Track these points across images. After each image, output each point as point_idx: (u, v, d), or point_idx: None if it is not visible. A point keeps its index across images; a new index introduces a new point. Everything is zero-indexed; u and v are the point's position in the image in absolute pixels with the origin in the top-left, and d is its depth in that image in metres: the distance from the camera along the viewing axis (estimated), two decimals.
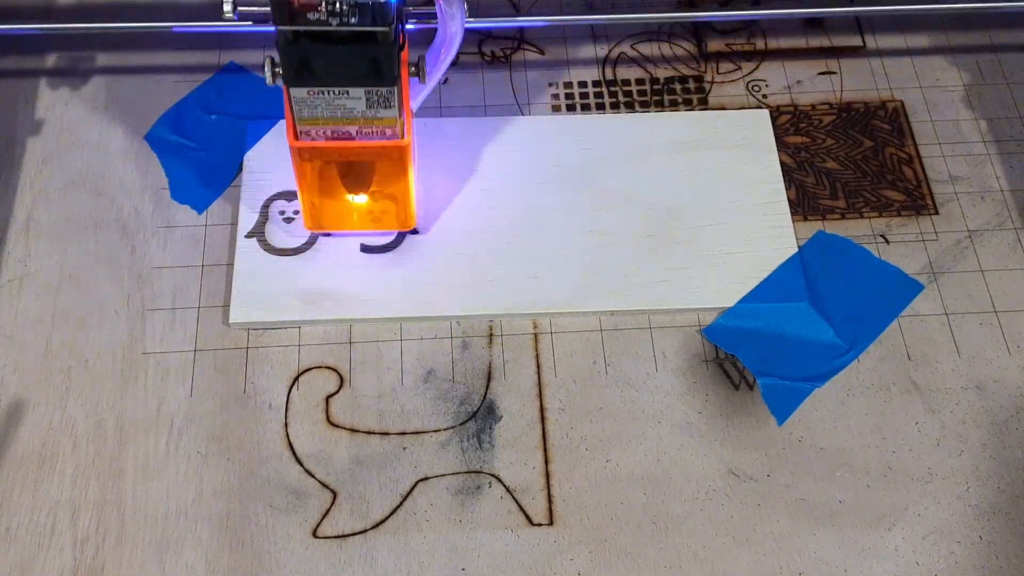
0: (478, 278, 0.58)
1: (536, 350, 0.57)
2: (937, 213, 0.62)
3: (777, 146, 0.63)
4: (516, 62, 0.68)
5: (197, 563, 0.50)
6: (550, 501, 0.52)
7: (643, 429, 0.54)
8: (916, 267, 0.60)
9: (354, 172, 0.54)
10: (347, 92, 0.48)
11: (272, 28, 0.46)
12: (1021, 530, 0.52)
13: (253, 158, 0.62)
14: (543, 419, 0.54)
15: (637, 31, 0.69)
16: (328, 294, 0.57)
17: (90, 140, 0.63)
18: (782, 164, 0.63)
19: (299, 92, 0.48)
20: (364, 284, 0.57)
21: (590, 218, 0.60)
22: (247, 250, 0.58)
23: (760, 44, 0.69)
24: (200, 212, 0.61)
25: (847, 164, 0.64)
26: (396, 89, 0.48)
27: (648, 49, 0.69)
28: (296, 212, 0.60)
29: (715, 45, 0.69)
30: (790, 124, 0.65)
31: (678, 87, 0.67)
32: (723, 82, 0.67)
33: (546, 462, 0.53)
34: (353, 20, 0.45)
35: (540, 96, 0.66)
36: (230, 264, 0.58)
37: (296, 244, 0.59)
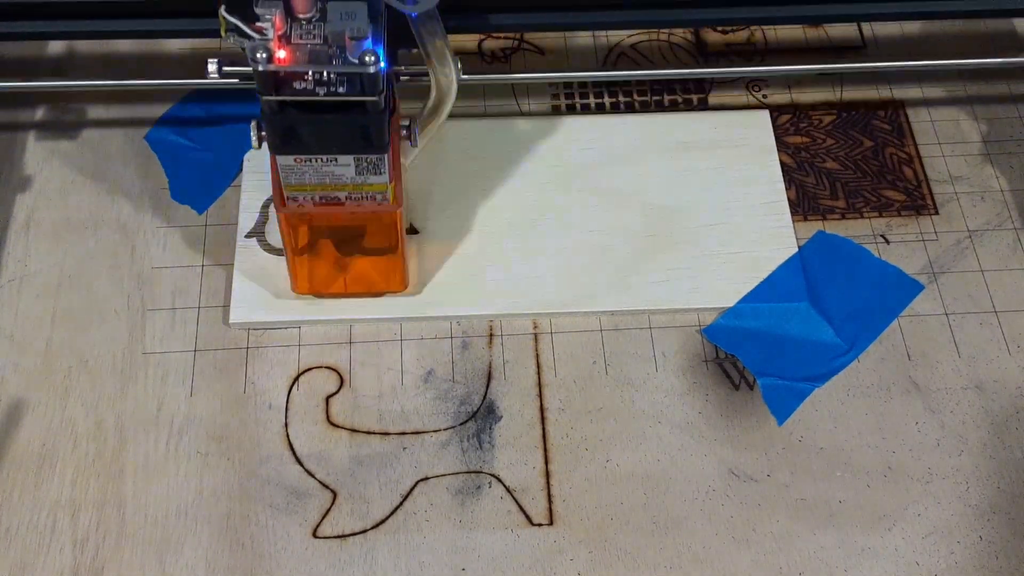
0: (478, 278, 0.58)
1: (536, 350, 0.57)
2: (937, 213, 0.62)
3: (777, 146, 0.63)
4: (516, 62, 0.68)
5: (197, 563, 0.50)
6: (550, 501, 0.52)
7: (643, 429, 0.54)
8: (916, 267, 0.60)
9: (344, 234, 0.53)
10: (336, 159, 0.47)
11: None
12: (1021, 530, 0.52)
13: (253, 158, 0.62)
14: (543, 419, 0.54)
15: (637, 31, 0.69)
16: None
17: (90, 140, 0.63)
18: (782, 164, 0.63)
19: (286, 160, 0.47)
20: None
21: (590, 218, 0.60)
22: (247, 250, 0.58)
23: (760, 44, 0.69)
24: (200, 212, 0.61)
25: (847, 164, 0.64)
26: (386, 156, 0.47)
27: (648, 49, 0.69)
28: None
29: (715, 45, 0.69)
30: (790, 124, 0.65)
31: (678, 87, 0.67)
32: (723, 82, 0.67)
33: (546, 462, 0.53)
34: (341, 89, 0.43)
35: (540, 96, 0.66)
36: (230, 264, 0.58)
37: None
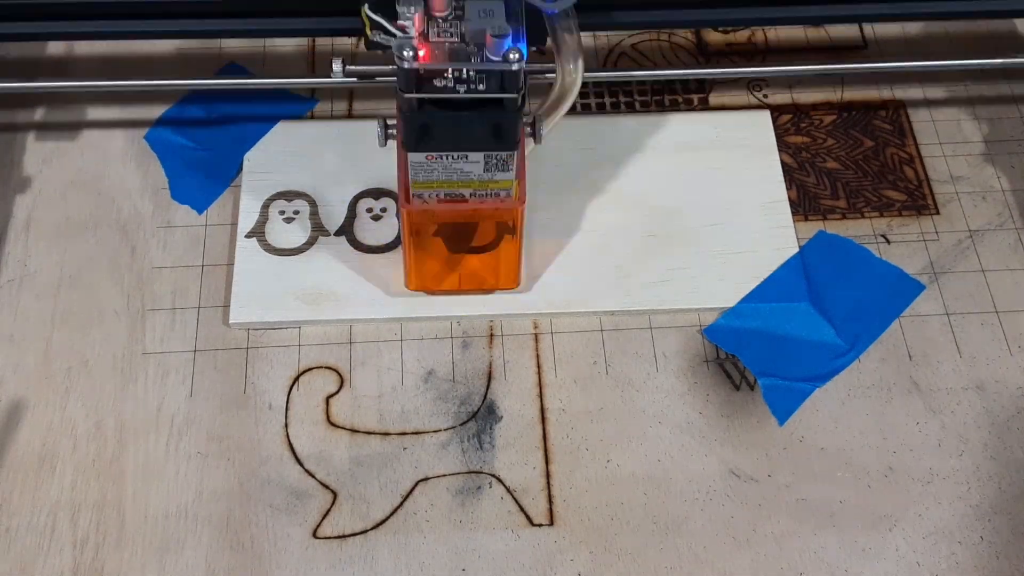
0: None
1: (536, 350, 0.57)
2: (938, 213, 0.62)
3: (778, 146, 0.63)
4: None
5: (197, 564, 0.50)
6: (550, 501, 0.52)
7: (643, 429, 0.54)
8: (917, 267, 0.60)
9: (455, 231, 0.54)
10: (466, 156, 0.47)
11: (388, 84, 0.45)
12: (1022, 530, 0.52)
13: (253, 158, 0.62)
14: (543, 419, 0.54)
15: (638, 31, 0.69)
16: (328, 294, 0.57)
17: (90, 140, 0.63)
18: (783, 164, 0.63)
19: (417, 157, 0.47)
20: (364, 284, 0.57)
21: (590, 218, 0.60)
22: (247, 250, 0.58)
23: (761, 44, 0.69)
24: (200, 212, 0.61)
25: (848, 164, 0.64)
26: (516, 153, 0.47)
27: (649, 49, 0.69)
28: (296, 212, 0.60)
29: (716, 45, 0.69)
30: (791, 124, 0.65)
31: (678, 87, 0.67)
32: (724, 82, 0.67)
33: (546, 462, 0.53)
34: (481, 87, 0.44)
35: (540, 96, 0.66)
36: (230, 264, 0.58)
37: (296, 244, 0.59)
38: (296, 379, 0.55)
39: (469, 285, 0.57)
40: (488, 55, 0.43)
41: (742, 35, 0.69)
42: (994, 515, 0.52)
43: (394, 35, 0.43)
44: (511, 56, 0.43)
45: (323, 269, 0.58)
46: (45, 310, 0.57)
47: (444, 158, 0.47)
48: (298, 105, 0.65)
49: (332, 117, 0.65)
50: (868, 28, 0.70)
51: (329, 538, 0.51)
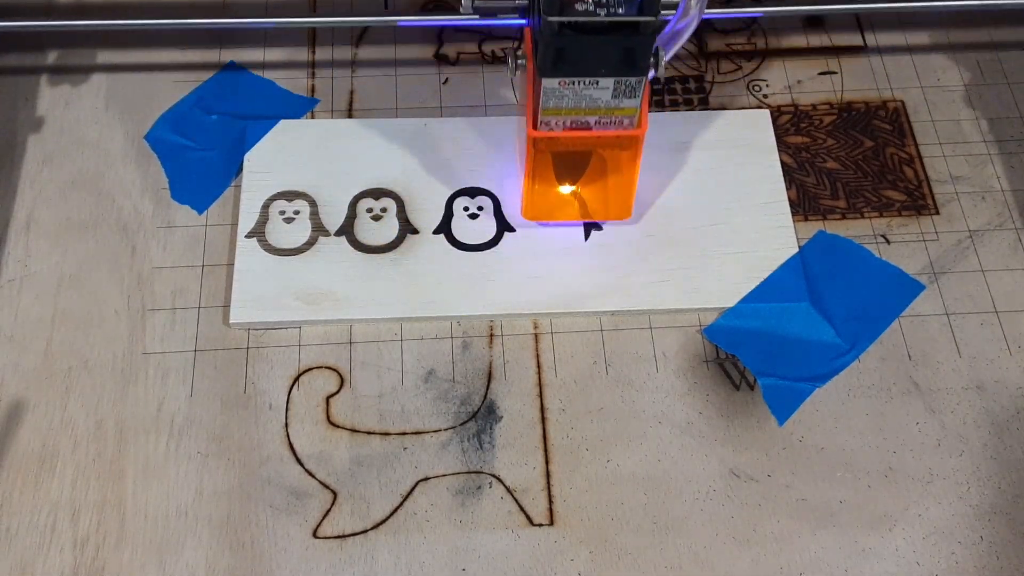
0: (478, 278, 0.58)
1: (536, 350, 0.57)
2: (938, 213, 0.62)
3: (778, 146, 0.63)
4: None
5: (197, 563, 0.50)
6: (550, 501, 0.52)
7: (643, 429, 0.54)
8: (917, 267, 0.60)
9: (569, 162, 0.55)
10: (597, 82, 0.49)
11: (514, 22, 0.48)
12: (1022, 530, 0.52)
13: (253, 158, 0.62)
14: (543, 419, 0.54)
15: None
16: (328, 294, 0.57)
17: (90, 140, 0.63)
18: (783, 164, 0.63)
19: (551, 83, 0.49)
20: (364, 284, 0.57)
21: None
22: (247, 250, 0.58)
23: (760, 44, 0.69)
24: (200, 212, 0.61)
25: (848, 164, 0.64)
26: (644, 79, 0.49)
27: None
28: (296, 212, 0.60)
29: (715, 45, 0.69)
30: (791, 124, 0.65)
31: (678, 87, 0.67)
32: (723, 82, 0.67)
33: (546, 462, 0.53)
34: (620, 11, 0.46)
35: None
36: (230, 264, 0.58)
37: (296, 244, 0.59)
38: (296, 379, 0.55)
39: (583, 215, 0.59)
40: None
41: (740, 35, 0.69)
42: (994, 515, 0.52)
43: None
44: None
45: (323, 269, 0.58)
46: (45, 310, 0.57)
47: (576, 84, 0.49)
48: (298, 105, 0.65)
49: (332, 117, 0.65)
50: (867, 25, 0.70)
51: (329, 538, 0.51)
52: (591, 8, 0.46)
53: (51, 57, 0.66)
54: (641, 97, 0.50)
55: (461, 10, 0.53)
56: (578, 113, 0.50)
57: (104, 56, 0.66)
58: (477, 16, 0.54)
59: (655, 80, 0.53)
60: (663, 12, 0.51)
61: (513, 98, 0.66)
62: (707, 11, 0.50)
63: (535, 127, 0.51)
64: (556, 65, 0.48)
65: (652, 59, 0.50)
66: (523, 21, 0.53)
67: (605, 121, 0.51)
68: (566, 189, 0.58)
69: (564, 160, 0.55)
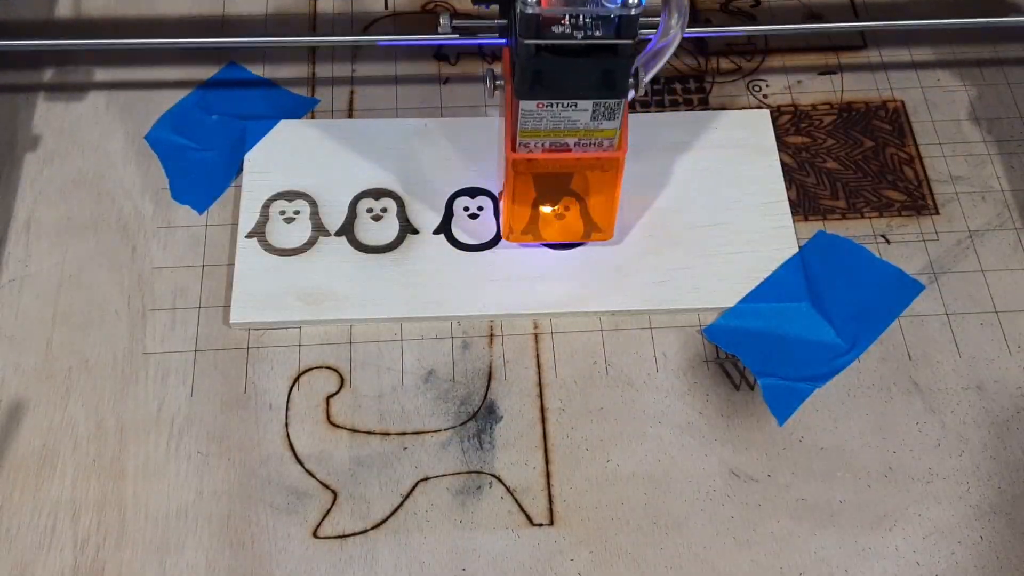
0: (478, 278, 0.58)
1: (536, 350, 0.57)
2: (938, 213, 0.62)
3: (778, 146, 0.63)
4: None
5: (198, 563, 0.50)
6: (551, 501, 0.52)
7: (643, 429, 0.54)
8: (917, 267, 0.60)
9: (550, 183, 0.54)
10: (575, 104, 0.48)
11: (495, 41, 0.47)
12: (1022, 530, 0.52)
13: (253, 158, 0.62)
14: (543, 419, 0.54)
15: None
16: (328, 294, 0.57)
17: (90, 140, 0.63)
18: (783, 164, 0.63)
19: (529, 105, 0.48)
20: (364, 284, 0.57)
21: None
22: (247, 250, 0.58)
23: (760, 44, 0.69)
24: (200, 212, 0.61)
25: (848, 164, 0.64)
26: (623, 101, 0.48)
27: None
28: (297, 212, 0.60)
29: (715, 45, 0.69)
30: (791, 124, 0.65)
31: (678, 87, 0.67)
32: (723, 82, 0.67)
33: (546, 462, 0.53)
34: (597, 33, 0.45)
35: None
36: (230, 264, 0.58)
37: (296, 244, 0.59)
38: (296, 379, 0.55)
39: (564, 236, 0.58)
40: (603, 1, 0.44)
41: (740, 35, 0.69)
42: (993, 515, 0.52)
43: None
44: (631, 1, 0.44)
45: (323, 269, 0.58)
46: (46, 310, 0.57)
47: (554, 106, 0.48)
48: (298, 105, 0.65)
49: (332, 117, 0.65)
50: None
51: (329, 538, 0.51)
52: (568, 31, 0.45)
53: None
54: (621, 119, 0.49)
55: (439, 30, 0.52)
56: (557, 135, 0.50)
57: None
58: (457, 35, 0.53)
59: (635, 99, 0.52)
60: (643, 31, 0.51)
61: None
62: (688, 30, 0.50)
63: (514, 149, 0.51)
64: (533, 88, 0.47)
65: (632, 79, 0.49)
66: (503, 40, 0.52)
67: (585, 143, 0.51)
68: (547, 209, 0.57)
69: (544, 181, 0.54)
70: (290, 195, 0.60)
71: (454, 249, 0.59)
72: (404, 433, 0.54)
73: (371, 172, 0.61)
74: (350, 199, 0.60)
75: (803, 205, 0.62)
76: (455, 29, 0.52)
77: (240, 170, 0.62)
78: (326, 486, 0.52)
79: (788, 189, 0.62)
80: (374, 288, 0.57)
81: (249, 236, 0.59)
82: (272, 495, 0.52)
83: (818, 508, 0.52)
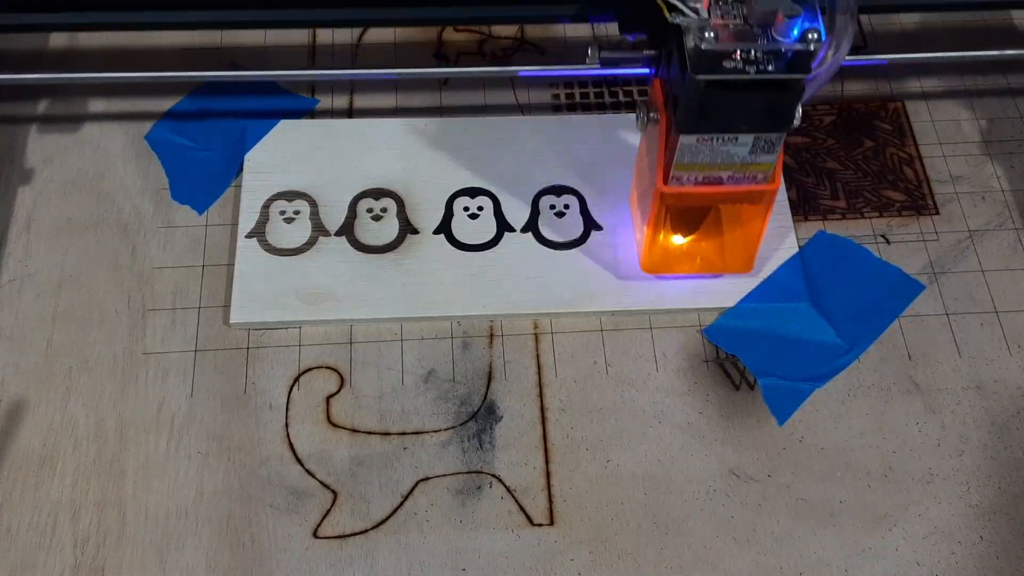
0: (478, 278, 0.58)
1: (536, 350, 0.57)
2: (938, 213, 0.62)
3: None
4: (516, 62, 0.68)
5: (198, 563, 0.50)
6: (551, 501, 0.52)
7: (643, 429, 0.54)
8: (917, 267, 0.60)
9: (689, 215, 0.54)
10: (736, 138, 0.47)
11: (637, 72, 0.47)
12: (1022, 530, 0.52)
13: (253, 158, 0.62)
14: (543, 419, 0.54)
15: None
16: (328, 294, 0.57)
17: (90, 140, 0.63)
18: (783, 164, 0.63)
19: (689, 139, 0.47)
20: (364, 284, 0.57)
21: (590, 218, 0.60)
22: (247, 250, 0.58)
23: None
24: (200, 212, 0.61)
25: (848, 164, 0.64)
26: (784, 134, 0.47)
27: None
28: (297, 212, 0.60)
29: None
30: None
31: None
32: None
33: (546, 462, 0.53)
34: (770, 68, 0.44)
35: (540, 96, 0.66)
36: (230, 264, 0.58)
37: (296, 244, 0.59)
38: (296, 379, 0.55)
39: (705, 269, 0.57)
40: (774, 35, 0.43)
41: None
42: (994, 515, 0.52)
43: (692, 16, 0.44)
44: (810, 36, 0.43)
45: (323, 269, 0.58)
46: (45, 310, 0.57)
47: (714, 140, 0.47)
48: (299, 105, 0.65)
49: (332, 117, 0.65)
50: (867, 23, 0.70)
51: (329, 538, 0.51)
52: (740, 66, 0.44)
53: (54, 50, 0.66)
54: (778, 152, 0.48)
55: (587, 61, 0.50)
56: (712, 169, 0.49)
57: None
58: (599, 65, 0.51)
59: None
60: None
61: (514, 99, 0.66)
62: (846, 58, 0.49)
63: (665, 182, 0.49)
64: (697, 122, 0.46)
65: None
66: (646, 71, 0.51)
67: (738, 176, 0.49)
68: (679, 240, 0.57)
69: (686, 212, 0.54)
70: (290, 195, 0.60)
71: (454, 249, 0.59)
72: (404, 433, 0.54)
73: (371, 172, 0.61)
74: (350, 199, 0.60)
75: (803, 205, 0.62)
76: (602, 61, 0.50)
77: (240, 170, 0.62)
78: (326, 486, 0.52)
79: (788, 189, 0.62)
80: (374, 288, 0.57)
81: (249, 236, 0.59)
82: (272, 495, 0.52)
83: (818, 508, 0.52)
